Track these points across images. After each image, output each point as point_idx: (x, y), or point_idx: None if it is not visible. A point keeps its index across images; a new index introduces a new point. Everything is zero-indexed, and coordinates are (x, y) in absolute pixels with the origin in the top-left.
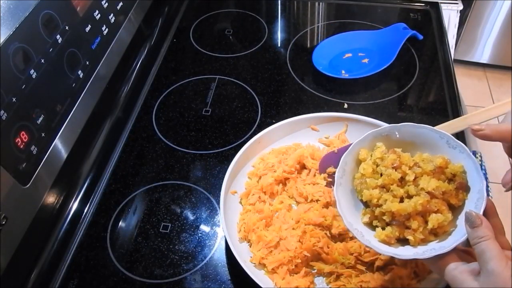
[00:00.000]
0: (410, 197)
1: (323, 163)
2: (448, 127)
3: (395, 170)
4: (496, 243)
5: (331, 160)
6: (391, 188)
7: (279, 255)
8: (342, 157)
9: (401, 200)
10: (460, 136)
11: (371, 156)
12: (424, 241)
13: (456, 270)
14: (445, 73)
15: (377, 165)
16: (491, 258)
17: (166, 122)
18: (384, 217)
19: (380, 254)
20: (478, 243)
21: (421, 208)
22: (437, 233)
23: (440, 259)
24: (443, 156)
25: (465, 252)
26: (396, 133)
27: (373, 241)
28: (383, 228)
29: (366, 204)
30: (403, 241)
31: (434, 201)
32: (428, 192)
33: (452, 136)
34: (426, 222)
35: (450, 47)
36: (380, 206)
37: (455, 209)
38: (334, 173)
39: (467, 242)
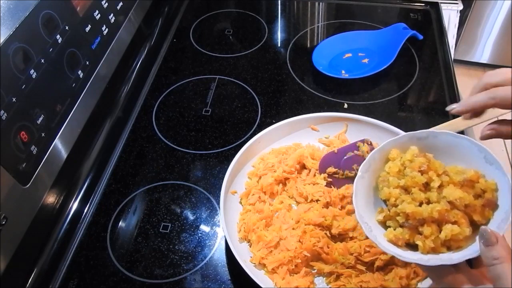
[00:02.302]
0: (430, 203)
1: (323, 163)
2: (449, 127)
3: (421, 174)
4: None
5: (331, 160)
6: (412, 191)
7: (279, 255)
8: (371, 153)
9: (420, 205)
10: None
11: (401, 158)
12: (434, 251)
13: None
14: (445, 73)
15: (405, 167)
16: (507, 283)
17: (166, 122)
18: (398, 218)
19: (381, 254)
20: (493, 265)
21: (437, 215)
22: (450, 246)
23: (449, 275)
24: (477, 170)
25: (480, 274)
26: (433, 139)
27: (379, 238)
28: (395, 229)
29: (385, 204)
30: (412, 247)
31: (454, 211)
32: (450, 202)
33: (490, 152)
34: (441, 232)
35: (450, 47)
36: (397, 206)
37: (476, 228)
38: (334, 173)
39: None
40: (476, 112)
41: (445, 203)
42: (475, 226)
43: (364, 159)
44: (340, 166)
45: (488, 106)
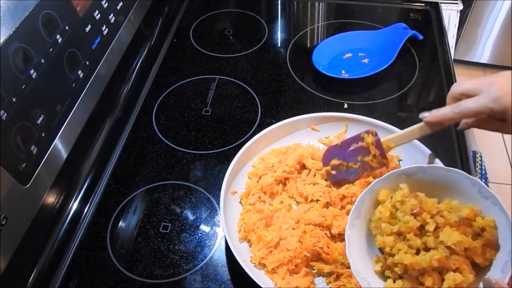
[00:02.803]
0: (427, 249)
1: (327, 155)
2: (407, 133)
3: (414, 218)
4: None
5: (335, 152)
6: (408, 237)
7: (279, 255)
8: (359, 196)
9: (418, 252)
10: (461, 137)
11: (391, 198)
12: None
13: None
14: (445, 73)
15: (397, 209)
16: None
17: (166, 122)
18: (396, 269)
19: None
20: None
21: (437, 264)
22: None
23: None
24: (473, 206)
25: None
26: (423, 174)
27: None
28: (394, 281)
29: (382, 251)
30: None
31: (454, 257)
32: (448, 247)
33: (484, 185)
34: (443, 280)
35: (450, 47)
36: (393, 255)
37: (480, 269)
38: (338, 165)
39: None
40: (443, 123)
41: (443, 249)
42: (477, 268)
43: (368, 150)
44: (344, 158)
45: (455, 119)
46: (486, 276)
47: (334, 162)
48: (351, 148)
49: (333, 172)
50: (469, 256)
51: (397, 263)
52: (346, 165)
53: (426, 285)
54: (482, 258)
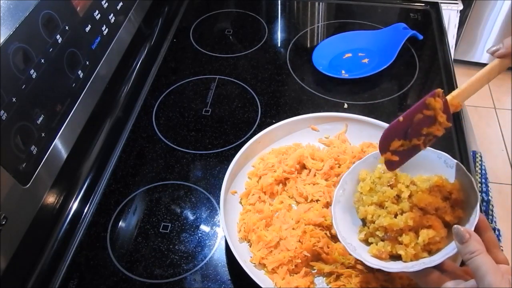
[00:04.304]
0: (404, 213)
1: (385, 139)
2: (476, 82)
3: (391, 188)
4: (489, 257)
5: (395, 131)
6: (386, 205)
7: (279, 255)
8: (343, 177)
9: (395, 217)
10: (461, 137)
11: (371, 177)
12: (416, 257)
13: None
14: (445, 73)
15: (376, 185)
16: (487, 272)
17: (166, 122)
18: (378, 233)
19: None
20: (470, 259)
21: (412, 223)
22: (431, 250)
23: (434, 277)
24: (441, 175)
25: (464, 272)
26: None
27: (364, 255)
28: (376, 244)
29: (364, 223)
30: (396, 258)
31: (427, 216)
32: (421, 208)
33: (449, 156)
34: (419, 238)
35: (450, 47)
36: (374, 222)
37: (451, 227)
38: (399, 146)
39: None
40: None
41: (417, 210)
42: (449, 227)
43: (436, 117)
44: (405, 137)
45: None
46: (455, 226)
47: (395, 144)
48: (415, 120)
49: (395, 158)
50: (440, 215)
51: (378, 227)
52: (409, 143)
53: (404, 242)
54: (452, 216)
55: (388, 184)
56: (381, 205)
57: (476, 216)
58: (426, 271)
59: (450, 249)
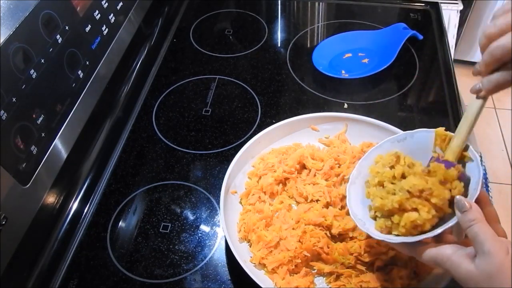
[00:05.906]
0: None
1: None
2: (464, 132)
3: (390, 169)
4: (488, 226)
5: None
6: (384, 185)
7: (279, 255)
8: (360, 160)
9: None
10: None
11: (382, 159)
12: (411, 234)
13: (454, 255)
14: (445, 73)
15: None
16: (485, 240)
17: (166, 122)
18: (377, 213)
19: (381, 254)
20: (469, 227)
21: (397, 205)
22: (423, 231)
23: (433, 248)
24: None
25: (463, 243)
26: (411, 139)
27: (371, 229)
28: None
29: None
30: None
31: (412, 199)
32: (408, 191)
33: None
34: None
35: (450, 47)
36: None
37: (450, 215)
38: None
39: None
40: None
41: (404, 192)
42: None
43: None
44: None
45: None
46: (457, 196)
47: None
48: None
49: None
50: (425, 197)
51: (373, 207)
52: None
53: (395, 222)
54: (438, 198)
55: (389, 165)
56: (382, 185)
57: (477, 191)
58: (425, 244)
59: (451, 222)
